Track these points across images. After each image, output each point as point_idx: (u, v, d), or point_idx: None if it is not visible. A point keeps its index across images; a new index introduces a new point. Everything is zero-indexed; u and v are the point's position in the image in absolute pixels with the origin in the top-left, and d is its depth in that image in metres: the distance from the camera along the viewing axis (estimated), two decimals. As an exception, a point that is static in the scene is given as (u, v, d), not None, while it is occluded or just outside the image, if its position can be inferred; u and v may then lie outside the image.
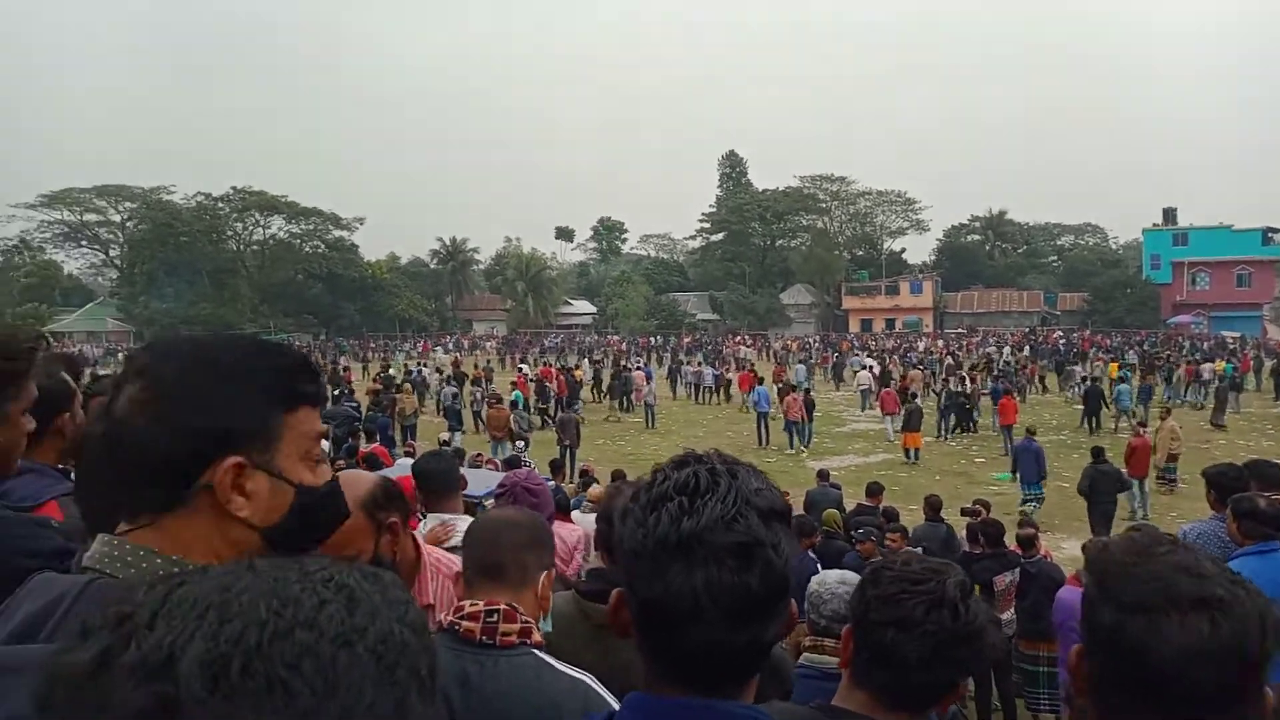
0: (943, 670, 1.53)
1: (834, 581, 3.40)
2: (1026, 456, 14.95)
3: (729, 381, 31.71)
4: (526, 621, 1.81)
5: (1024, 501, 14.73)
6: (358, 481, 2.09)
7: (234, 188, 71.37)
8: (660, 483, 1.06)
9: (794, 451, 21.15)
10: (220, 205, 71.49)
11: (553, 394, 25.75)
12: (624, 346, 55.28)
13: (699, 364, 36.10)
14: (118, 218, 74.08)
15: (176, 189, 73.59)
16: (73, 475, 2.36)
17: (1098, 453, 13.45)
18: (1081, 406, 24.01)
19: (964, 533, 8.86)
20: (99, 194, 72.20)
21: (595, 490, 9.84)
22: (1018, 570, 7.36)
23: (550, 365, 32.98)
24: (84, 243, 75.60)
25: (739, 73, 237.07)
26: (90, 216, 73.58)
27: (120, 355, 49.34)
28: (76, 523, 2.01)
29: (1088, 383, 24.92)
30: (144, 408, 1.08)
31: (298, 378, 1.18)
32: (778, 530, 1.03)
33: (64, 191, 71.11)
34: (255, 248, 74.46)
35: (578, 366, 34.29)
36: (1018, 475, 15.41)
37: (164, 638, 0.54)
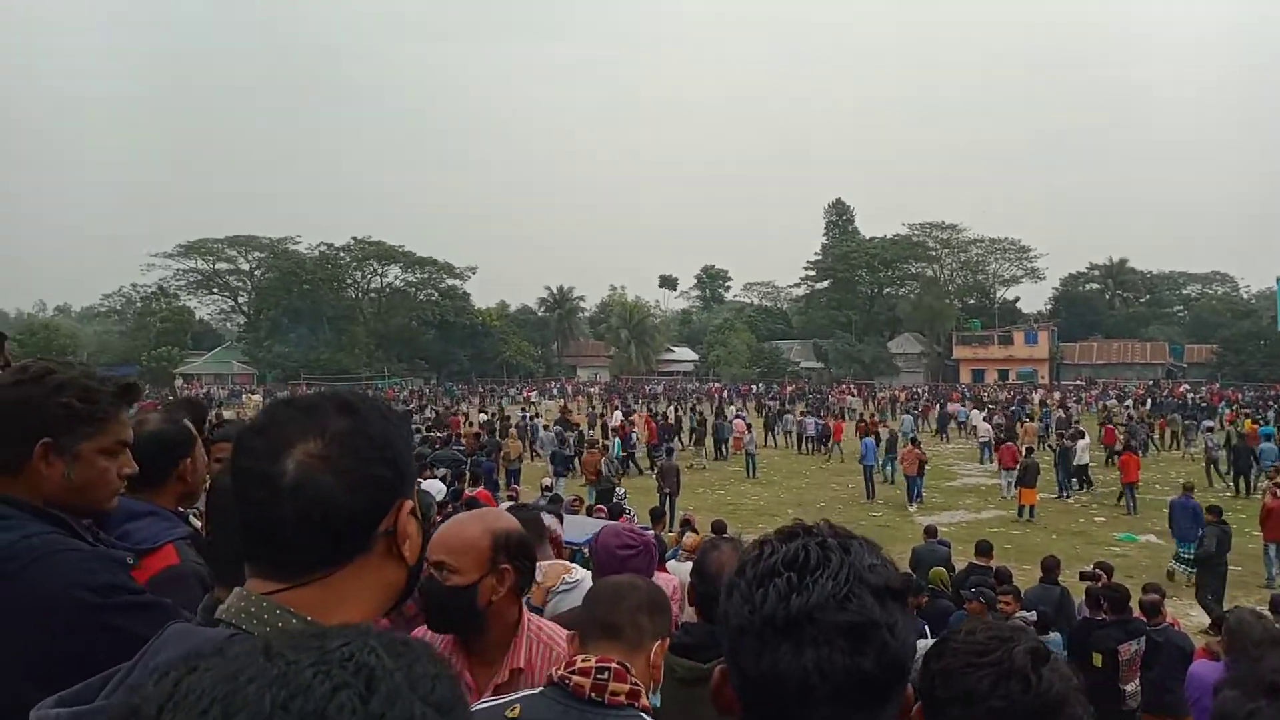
0: None
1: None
2: (1184, 514, 14.16)
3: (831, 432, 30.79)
4: (636, 685, 1.81)
5: (1177, 559, 14.03)
6: (501, 517, 2.14)
7: (354, 238, 74.68)
8: (767, 556, 1.02)
9: (913, 508, 20.50)
10: (341, 255, 74.78)
11: (637, 439, 25.62)
12: (725, 394, 55.05)
13: (802, 413, 35.60)
14: (247, 266, 78.24)
15: (302, 239, 77.58)
16: (190, 519, 2.47)
17: (1217, 511, 12.83)
18: (1208, 464, 22.75)
19: (1082, 597, 8.41)
20: (230, 244, 76.49)
21: (690, 539, 9.75)
22: (1143, 639, 6.94)
23: (641, 412, 32.86)
24: (215, 290, 79.95)
25: (846, 120, 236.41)
26: (222, 265, 77.95)
27: (245, 397, 51.72)
28: (192, 565, 2.10)
29: (1235, 440, 23.42)
30: (328, 464, 1.06)
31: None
32: (893, 610, 0.98)
33: (199, 242, 75.60)
34: (373, 295, 77.45)
35: (665, 414, 34.27)
36: (1172, 533, 14.61)
37: None
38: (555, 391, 59.88)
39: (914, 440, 23.86)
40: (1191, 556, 13.49)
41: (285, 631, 0.80)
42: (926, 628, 7.35)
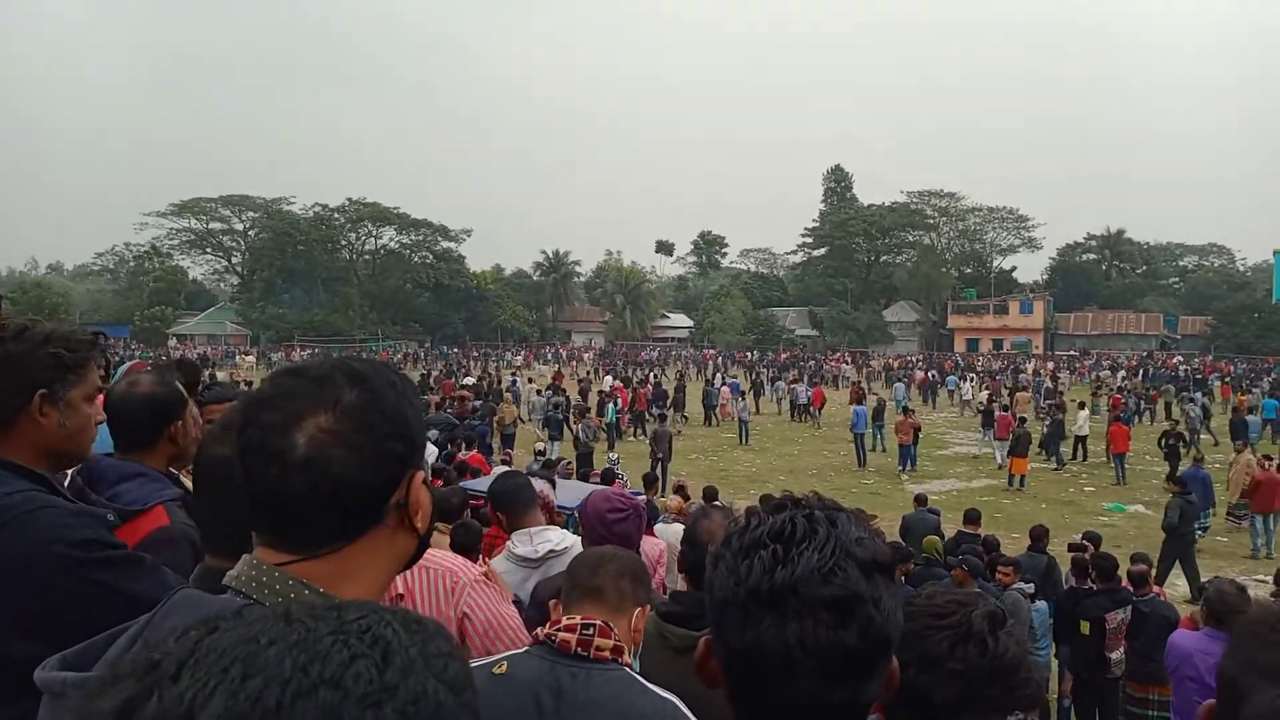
0: (974, 711, 1.39)
1: None
2: (1195, 485, 14.20)
3: (825, 400, 30.54)
4: (619, 642, 1.86)
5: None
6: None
7: (349, 199, 74.16)
8: (754, 528, 1.00)
9: (901, 474, 20.66)
10: (336, 216, 74.26)
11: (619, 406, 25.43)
12: (719, 360, 55.12)
13: (793, 380, 35.69)
14: (241, 226, 77.84)
15: (296, 199, 77.07)
16: (181, 479, 2.47)
17: (1182, 483, 13.25)
18: (1190, 434, 22.97)
19: (1069, 566, 8.49)
20: (224, 203, 76.00)
21: (674, 502, 9.82)
22: (1130, 608, 7.01)
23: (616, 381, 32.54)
24: (209, 249, 79.56)
25: (845, 86, 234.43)
26: (215, 225, 77.53)
27: (238, 358, 51.64)
28: (182, 526, 2.10)
29: (1234, 413, 23.58)
30: (340, 439, 1.04)
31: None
32: (879, 584, 0.96)
33: (193, 201, 75.09)
34: (367, 257, 77.07)
35: (645, 379, 34.22)
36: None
37: (185, 691, 0.53)
38: (550, 356, 59.86)
39: (905, 409, 23.93)
40: (1202, 525, 13.79)
41: (300, 602, 0.81)
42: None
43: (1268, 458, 15.81)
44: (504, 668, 1.81)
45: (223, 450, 1.52)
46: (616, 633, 1.88)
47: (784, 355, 58.71)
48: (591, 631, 1.83)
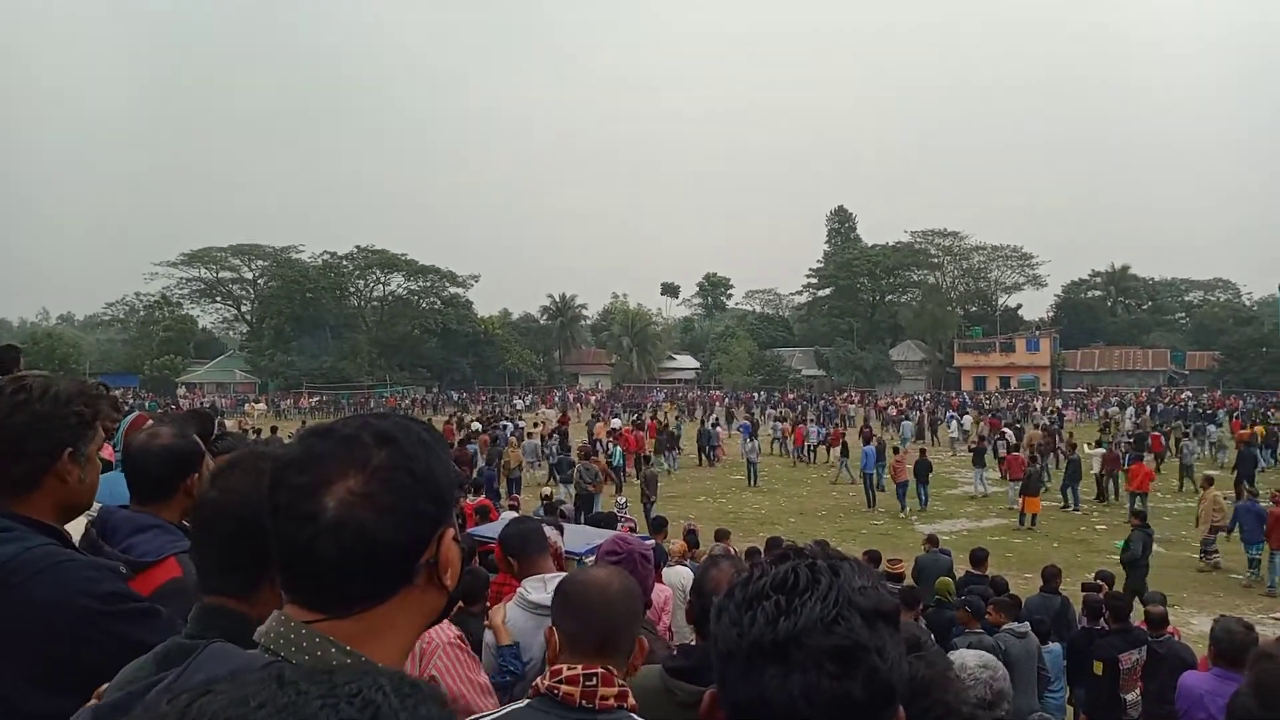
0: None
1: (975, 666, 3.28)
2: (1249, 518, 14.70)
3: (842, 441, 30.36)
4: (623, 686, 1.85)
5: (1251, 564, 14.52)
6: None
7: (357, 246, 74.80)
8: (757, 578, 1.00)
9: (904, 515, 20.54)
10: (344, 263, 74.86)
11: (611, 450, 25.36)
12: (726, 402, 55.14)
13: (799, 420, 35.62)
14: (250, 275, 78.49)
15: (305, 248, 77.80)
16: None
17: (1142, 516, 14.04)
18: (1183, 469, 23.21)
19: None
20: (234, 252, 76.69)
21: (677, 545, 9.78)
22: (1144, 648, 6.93)
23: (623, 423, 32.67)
24: (218, 298, 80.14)
25: (847, 128, 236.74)
26: (225, 274, 78.17)
27: (248, 406, 51.74)
28: (194, 578, 2.12)
29: (1241, 447, 23.53)
30: (370, 501, 1.04)
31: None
32: (883, 633, 0.95)
33: (203, 250, 75.81)
34: (375, 303, 77.53)
35: (641, 421, 34.16)
36: (1238, 535, 15.06)
37: None
38: (557, 400, 59.87)
39: (895, 449, 23.94)
40: (1255, 557, 14.30)
41: (299, 666, 0.81)
42: (932, 636, 7.36)
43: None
44: None
45: (212, 494, 1.57)
46: (619, 675, 1.86)
47: (791, 395, 58.66)
48: (595, 682, 1.81)
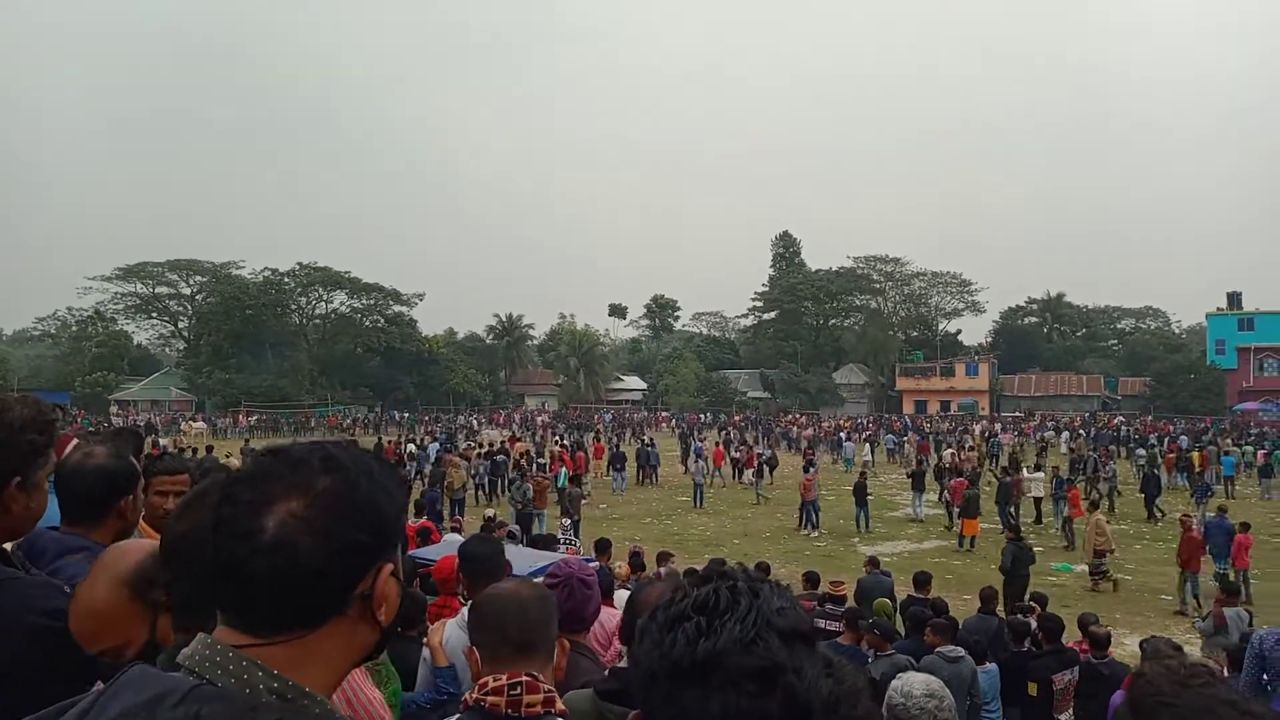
0: None
1: (921, 695, 3.28)
2: (1219, 534, 15.39)
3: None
4: (549, 691, 1.88)
5: (1217, 575, 14.68)
6: (123, 555, 1.78)
7: (299, 263, 73.68)
8: (679, 600, 1.00)
9: (805, 533, 21.12)
10: (285, 280, 73.64)
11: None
12: (674, 423, 55.37)
13: (740, 442, 36.08)
14: (188, 291, 76.92)
15: (245, 264, 76.48)
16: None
17: (1016, 530, 15.00)
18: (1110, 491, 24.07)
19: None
20: (172, 268, 75.13)
21: (622, 569, 9.77)
22: (1076, 669, 7.08)
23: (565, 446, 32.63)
24: (154, 314, 78.35)
25: (791, 153, 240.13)
26: (162, 289, 76.51)
27: (184, 425, 50.52)
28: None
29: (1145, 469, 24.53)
30: (309, 525, 1.05)
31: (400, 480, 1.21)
32: (801, 653, 0.96)
33: (139, 265, 74.11)
34: (317, 321, 76.32)
35: (580, 443, 34.31)
36: (1208, 552, 15.41)
37: None
38: (502, 421, 59.45)
39: (805, 469, 24.51)
40: (1223, 572, 14.66)
41: (217, 707, 0.78)
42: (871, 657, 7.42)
43: (1188, 515, 16.24)
44: None
45: (182, 526, 1.54)
46: (544, 681, 1.89)
47: (737, 417, 59.05)
48: (519, 690, 1.84)
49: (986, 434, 42.38)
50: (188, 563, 1.50)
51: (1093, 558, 15.87)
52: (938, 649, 7.19)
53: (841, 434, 42.29)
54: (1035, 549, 19.29)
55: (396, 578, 1.15)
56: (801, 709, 0.94)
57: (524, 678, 1.86)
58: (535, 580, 2.41)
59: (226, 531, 1.06)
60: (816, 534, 21.04)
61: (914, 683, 3.47)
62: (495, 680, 1.86)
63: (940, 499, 23.18)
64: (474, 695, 1.87)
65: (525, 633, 1.98)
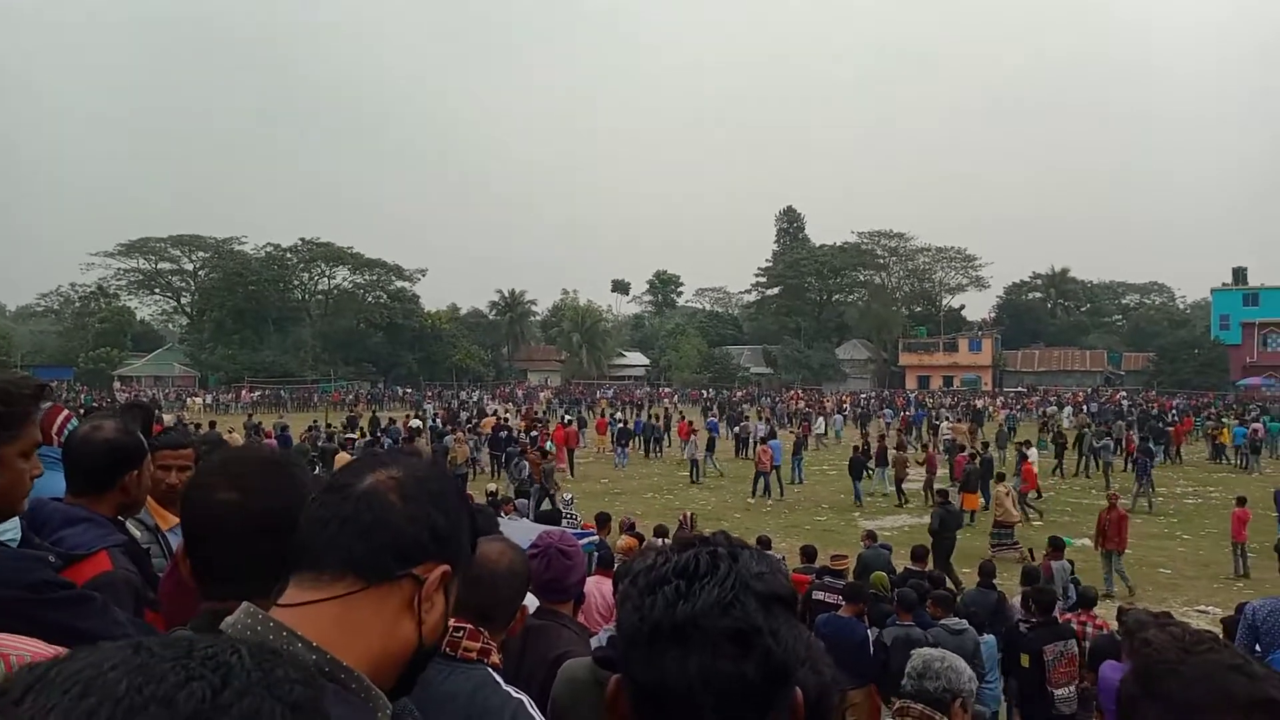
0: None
1: (939, 664, 3.41)
2: None
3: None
4: (489, 644, 2.03)
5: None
6: None
7: (302, 239, 73.68)
8: (660, 565, 1.02)
9: (755, 500, 21.85)
10: (288, 256, 73.64)
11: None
12: (676, 399, 55.47)
13: (743, 417, 36.32)
14: (191, 266, 76.86)
15: (248, 239, 76.37)
16: (128, 527, 2.47)
17: (944, 495, 15.48)
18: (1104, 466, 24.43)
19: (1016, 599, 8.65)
20: (174, 243, 75.05)
21: (624, 541, 9.84)
22: (1070, 642, 7.13)
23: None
24: (157, 290, 78.35)
25: (797, 126, 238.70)
26: (165, 265, 76.47)
27: (188, 400, 50.65)
28: (123, 573, 2.12)
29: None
30: (398, 487, 1.17)
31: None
32: (778, 616, 0.97)
33: (141, 241, 74.07)
34: (319, 297, 76.40)
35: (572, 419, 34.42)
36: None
37: (25, 713, 0.56)
38: (507, 396, 59.52)
39: (762, 439, 25.46)
40: None
41: (159, 636, 0.81)
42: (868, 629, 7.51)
43: (1115, 495, 15.88)
44: None
45: (229, 496, 1.54)
46: (488, 634, 2.03)
47: (739, 393, 59.11)
48: (461, 634, 1.99)
49: (986, 408, 42.63)
50: (228, 532, 1.51)
51: (994, 528, 16.20)
52: (941, 621, 7.30)
53: (834, 409, 43.06)
54: (1034, 524, 19.56)
55: (446, 591, 1.20)
56: (778, 670, 0.96)
57: (468, 626, 2.01)
58: (519, 547, 2.47)
59: (328, 492, 1.19)
60: (772, 503, 21.88)
61: (932, 652, 3.56)
62: None
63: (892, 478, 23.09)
64: None
65: (489, 602, 2.12)
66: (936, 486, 17.45)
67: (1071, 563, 11.46)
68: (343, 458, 16.05)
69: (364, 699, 1.09)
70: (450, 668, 1.95)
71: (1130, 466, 23.50)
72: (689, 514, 13.22)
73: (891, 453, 23.50)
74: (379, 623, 1.13)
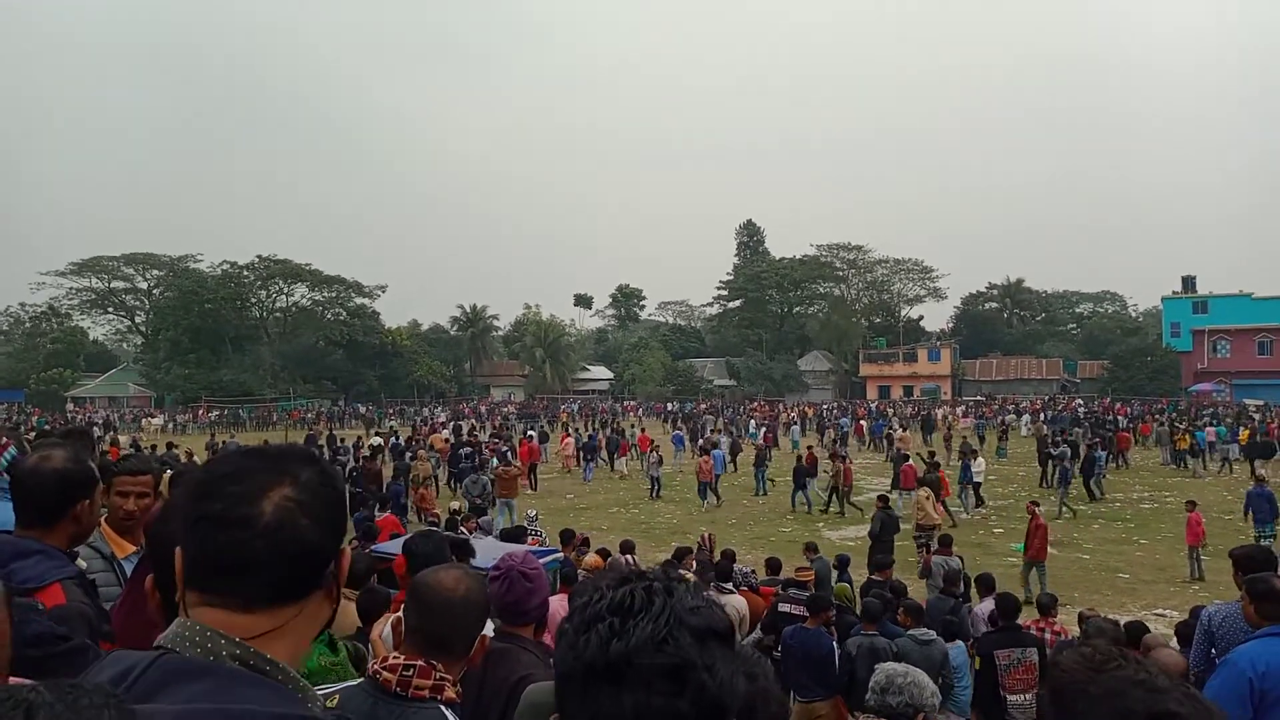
0: None
1: (901, 679, 3.43)
2: (1259, 501, 16.29)
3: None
4: (442, 679, 2.02)
5: (1257, 539, 14.98)
6: None
7: (259, 256, 72.74)
8: (595, 602, 1.02)
9: (705, 508, 22.50)
10: (245, 273, 72.65)
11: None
12: (639, 412, 55.46)
13: (707, 430, 36.48)
14: (145, 285, 75.65)
15: (203, 257, 75.31)
16: (79, 560, 2.43)
17: (884, 500, 15.87)
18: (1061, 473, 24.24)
19: (978, 606, 8.72)
20: (127, 262, 73.83)
21: (591, 558, 9.82)
22: (1029, 649, 7.16)
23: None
24: (110, 309, 76.98)
25: (756, 142, 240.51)
26: (118, 284, 75.23)
27: (144, 421, 49.74)
28: (78, 606, 2.09)
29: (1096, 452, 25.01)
30: (302, 508, 1.18)
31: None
32: (714, 650, 0.98)
33: (93, 259, 72.74)
34: (278, 315, 75.45)
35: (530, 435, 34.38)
36: (1249, 516, 16.74)
37: None
38: (467, 412, 59.09)
39: (704, 450, 25.63)
40: (1269, 534, 15.35)
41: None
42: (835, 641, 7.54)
43: (1035, 504, 15.50)
44: (335, 700, 1.95)
45: (171, 527, 1.54)
46: (440, 670, 2.03)
47: (702, 405, 59.26)
48: (411, 673, 1.99)
49: (947, 419, 43.11)
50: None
51: (915, 531, 16.50)
52: (909, 631, 7.30)
53: (790, 421, 43.85)
54: (995, 530, 19.83)
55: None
56: (713, 706, 0.96)
57: (419, 663, 2.01)
58: (479, 573, 2.45)
59: (219, 522, 1.15)
60: (705, 506, 22.64)
61: (895, 667, 3.58)
62: (395, 658, 2.02)
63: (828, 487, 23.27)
64: (375, 665, 2.04)
65: (445, 630, 2.12)
66: (878, 493, 17.68)
67: (961, 559, 11.89)
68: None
69: (292, 689, 1.15)
70: (401, 707, 1.94)
71: (1078, 472, 23.94)
72: (709, 534, 13.12)
73: (824, 462, 23.88)
74: (307, 618, 1.22)
